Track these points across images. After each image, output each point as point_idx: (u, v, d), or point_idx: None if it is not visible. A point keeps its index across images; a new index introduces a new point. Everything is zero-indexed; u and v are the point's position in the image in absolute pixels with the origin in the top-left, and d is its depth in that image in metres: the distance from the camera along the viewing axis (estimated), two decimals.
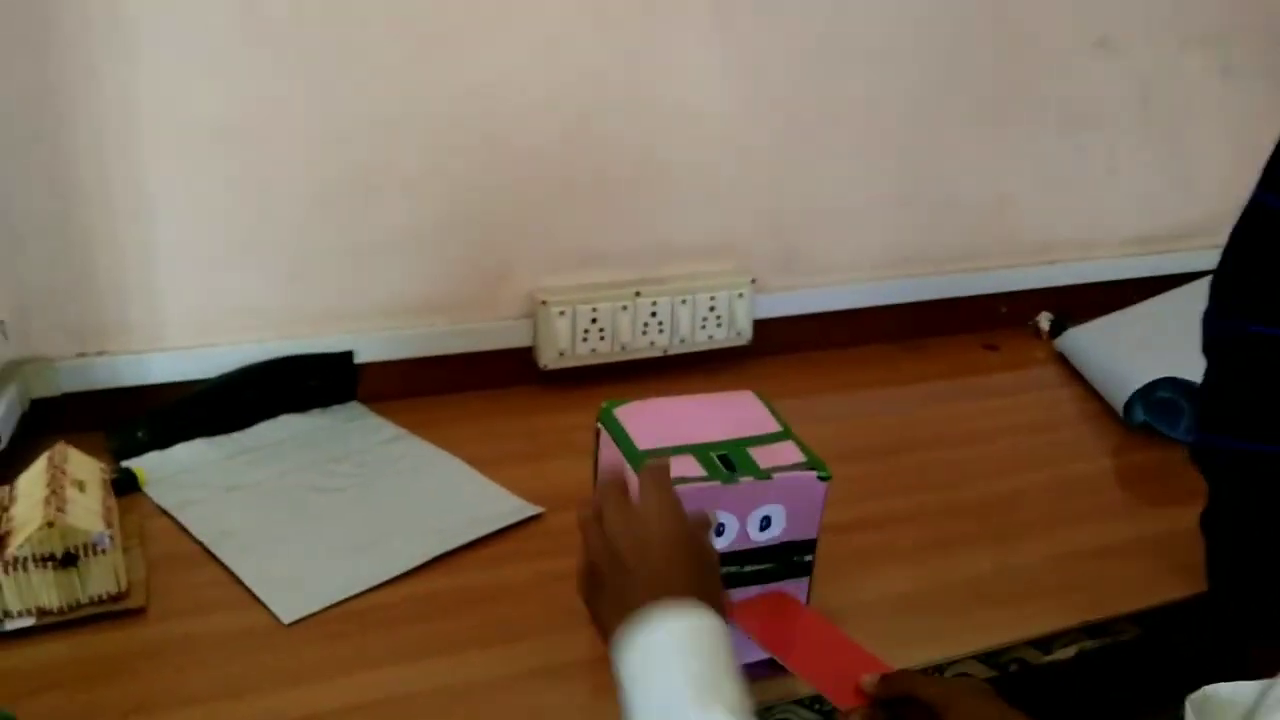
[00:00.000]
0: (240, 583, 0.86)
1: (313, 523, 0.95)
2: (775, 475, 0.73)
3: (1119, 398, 1.22)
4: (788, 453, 0.76)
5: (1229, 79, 1.49)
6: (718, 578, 0.66)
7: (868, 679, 0.68)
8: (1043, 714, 0.88)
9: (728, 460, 0.75)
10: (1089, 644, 0.88)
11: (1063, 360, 1.40)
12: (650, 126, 1.19)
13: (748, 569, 0.75)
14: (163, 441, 1.05)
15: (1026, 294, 1.48)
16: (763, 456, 0.75)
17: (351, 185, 1.10)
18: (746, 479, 0.72)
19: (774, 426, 0.79)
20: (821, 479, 0.75)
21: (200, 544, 0.91)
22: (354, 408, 1.16)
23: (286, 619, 0.82)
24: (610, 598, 0.64)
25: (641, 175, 1.21)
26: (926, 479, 1.10)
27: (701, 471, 0.73)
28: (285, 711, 0.74)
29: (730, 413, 0.80)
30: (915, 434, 1.20)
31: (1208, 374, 0.88)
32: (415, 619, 0.84)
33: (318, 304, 1.14)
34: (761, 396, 0.83)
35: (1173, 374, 1.18)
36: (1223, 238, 1.65)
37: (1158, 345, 1.28)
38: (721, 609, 0.62)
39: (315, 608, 0.84)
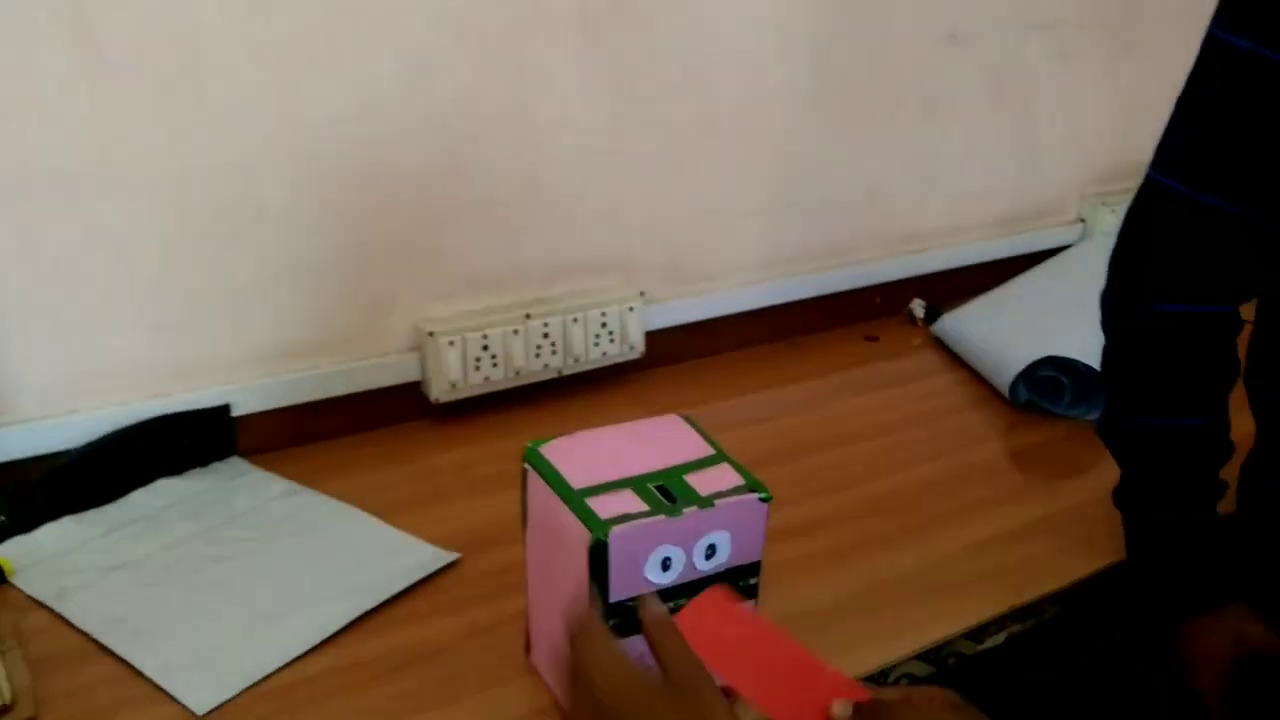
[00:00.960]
0: (140, 675, 0.79)
1: (211, 597, 0.88)
2: (718, 502, 0.71)
3: (1002, 379, 1.26)
4: (726, 476, 0.74)
5: (1067, 64, 1.56)
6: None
7: (838, 709, 0.63)
8: (983, 703, 0.90)
9: (666, 491, 0.72)
10: (1017, 628, 0.90)
11: (940, 345, 1.44)
12: (527, 145, 1.16)
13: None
14: (25, 524, 0.95)
15: (899, 284, 1.51)
16: (701, 483, 0.73)
17: (213, 226, 1.03)
18: (690, 509, 0.70)
19: (706, 450, 0.77)
20: (763, 500, 0.73)
21: (87, 636, 0.83)
22: (236, 464, 1.08)
23: (200, 710, 0.76)
24: None
25: (522, 195, 1.18)
26: (833, 479, 1.10)
27: (643, 506, 0.70)
28: None
29: (659, 439, 0.78)
30: (813, 434, 1.20)
31: (1111, 353, 0.91)
32: (343, 690, 0.78)
33: (186, 357, 1.05)
34: (689, 418, 0.81)
35: (1050, 351, 1.22)
36: (1072, 214, 1.73)
37: (1031, 324, 1.33)
38: None
39: (231, 693, 0.77)
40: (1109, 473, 1.11)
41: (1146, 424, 0.88)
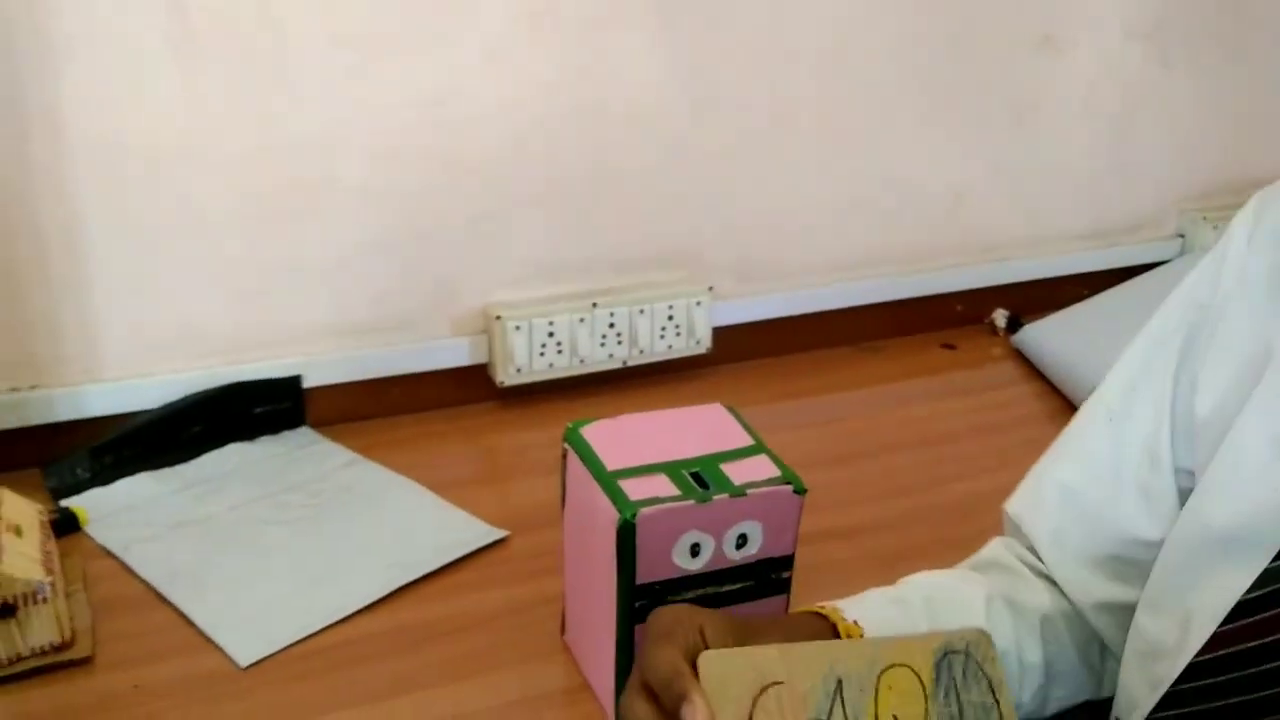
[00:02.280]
0: (193, 625, 0.82)
1: (267, 557, 0.91)
2: (750, 491, 0.71)
3: (1080, 393, 1.22)
4: (761, 467, 0.74)
5: (1167, 72, 1.51)
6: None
7: None
8: None
9: (700, 478, 0.72)
10: None
11: (1020, 357, 1.40)
12: (601, 135, 1.17)
13: (725, 588, 0.73)
14: (104, 478, 1.00)
15: (981, 292, 1.48)
16: (736, 472, 0.73)
17: (293, 202, 1.06)
18: (721, 496, 0.70)
19: (746, 440, 0.77)
20: (797, 493, 0.73)
21: (148, 585, 0.87)
22: (304, 434, 1.12)
23: (244, 662, 0.79)
24: None
25: (594, 184, 1.19)
26: (894, 483, 1.08)
27: (675, 490, 0.70)
28: None
29: (700, 427, 0.78)
30: (879, 437, 1.19)
31: None
32: (381, 655, 0.80)
33: (262, 327, 1.09)
34: (731, 409, 0.81)
35: None
36: (1168, 229, 1.66)
37: (1114, 339, 1.28)
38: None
39: (274, 648, 0.80)
40: None
41: None
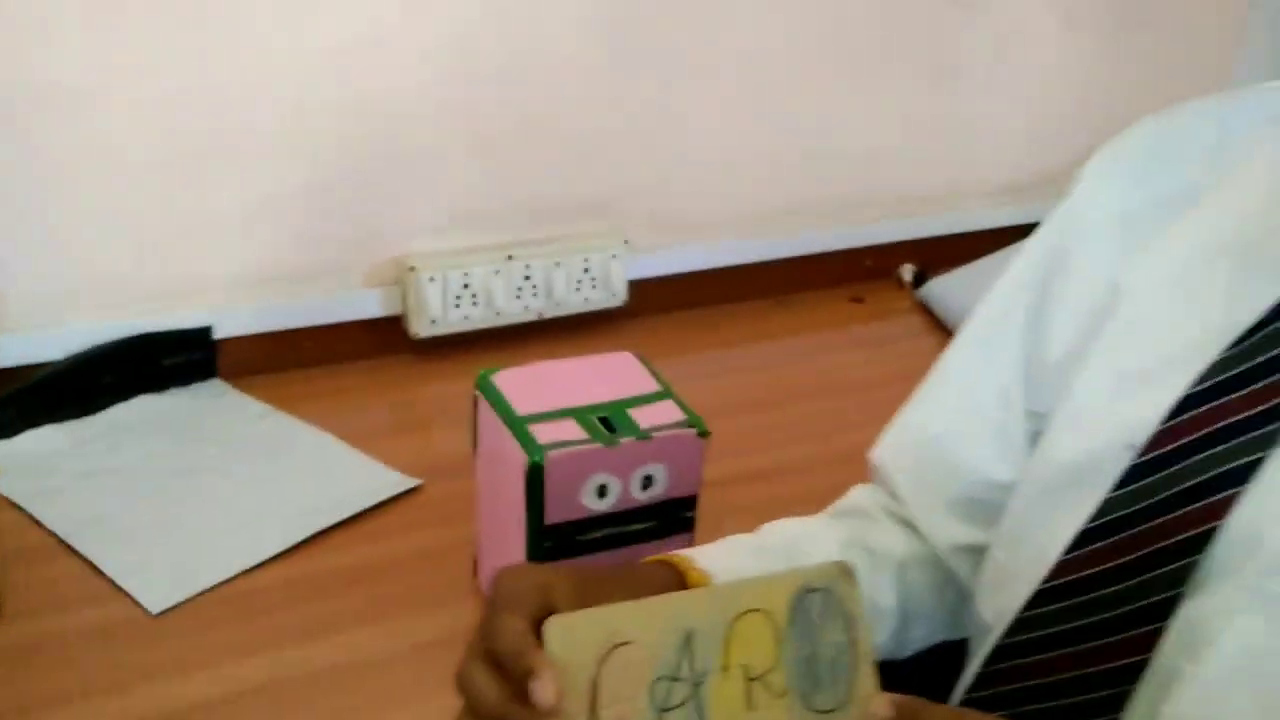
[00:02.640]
0: (102, 574, 0.82)
1: (177, 507, 0.91)
2: (655, 435, 0.73)
3: None
4: (667, 411, 0.76)
5: (1076, 34, 1.55)
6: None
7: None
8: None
9: (608, 422, 0.74)
10: None
11: (926, 310, 1.44)
12: (519, 85, 1.17)
13: (632, 528, 0.75)
14: (9, 430, 0.99)
15: (892, 246, 1.52)
16: (642, 416, 0.75)
17: (205, 150, 1.05)
18: (627, 439, 0.72)
19: (653, 386, 0.79)
20: (700, 436, 0.75)
21: (56, 536, 0.86)
22: (215, 385, 1.11)
23: (154, 609, 0.79)
24: None
25: (511, 135, 1.19)
26: (805, 430, 1.12)
27: (583, 434, 0.72)
28: (160, 706, 0.71)
29: (609, 375, 0.80)
30: (787, 387, 1.22)
31: None
32: (293, 601, 0.81)
33: (172, 277, 1.08)
34: (640, 357, 0.83)
35: None
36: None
37: None
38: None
39: (185, 595, 0.80)
40: None
41: None
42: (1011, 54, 1.51)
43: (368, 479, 0.97)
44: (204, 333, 1.10)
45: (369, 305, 1.18)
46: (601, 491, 0.72)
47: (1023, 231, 1.55)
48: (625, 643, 0.46)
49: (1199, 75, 1.72)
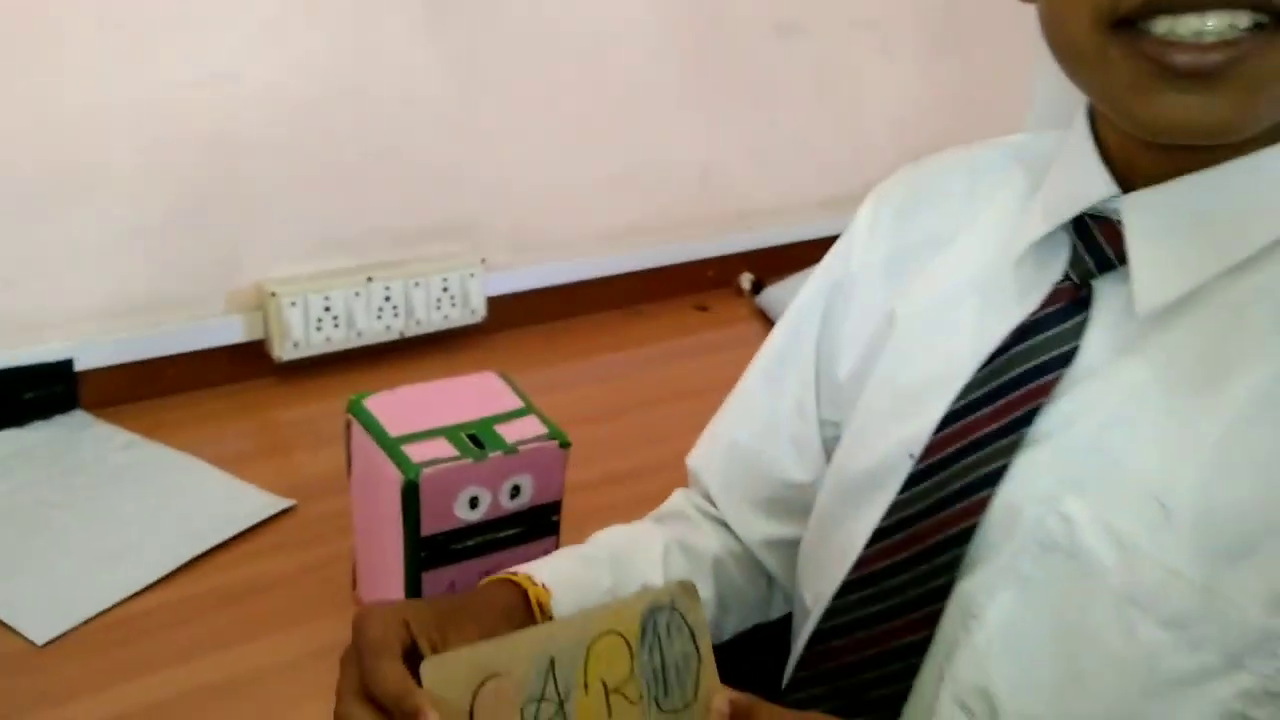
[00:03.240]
0: None
1: (53, 539, 0.93)
2: (521, 448, 0.80)
3: None
4: (530, 426, 0.83)
5: (890, 59, 1.69)
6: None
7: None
8: (764, 646, 1.01)
9: (476, 439, 0.81)
10: None
11: (764, 315, 1.56)
12: (374, 114, 1.22)
13: (502, 534, 0.82)
14: None
15: (731, 258, 1.63)
16: (508, 432, 0.82)
17: (61, 184, 1.06)
18: (495, 454, 0.79)
19: (516, 403, 0.86)
20: (562, 447, 0.82)
21: None
22: (78, 417, 1.12)
23: (40, 640, 0.81)
24: None
25: (367, 162, 1.24)
26: (657, 433, 1.20)
27: (454, 451, 0.78)
28: None
29: (475, 394, 0.86)
30: (642, 394, 1.31)
31: None
32: (179, 623, 0.85)
33: (30, 311, 1.09)
34: (503, 375, 0.90)
35: None
36: None
37: None
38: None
39: (71, 624, 0.83)
40: None
41: None
42: (832, 79, 1.64)
43: (241, 502, 1.00)
44: (65, 365, 1.11)
45: (231, 331, 1.21)
46: (473, 503, 0.79)
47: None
48: (495, 675, 0.52)
49: (1003, 96, 1.89)
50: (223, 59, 1.10)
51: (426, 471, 0.76)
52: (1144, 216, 0.56)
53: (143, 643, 0.83)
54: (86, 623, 0.83)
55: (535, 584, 0.67)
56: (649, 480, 1.10)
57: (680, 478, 1.10)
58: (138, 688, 0.78)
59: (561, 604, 0.66)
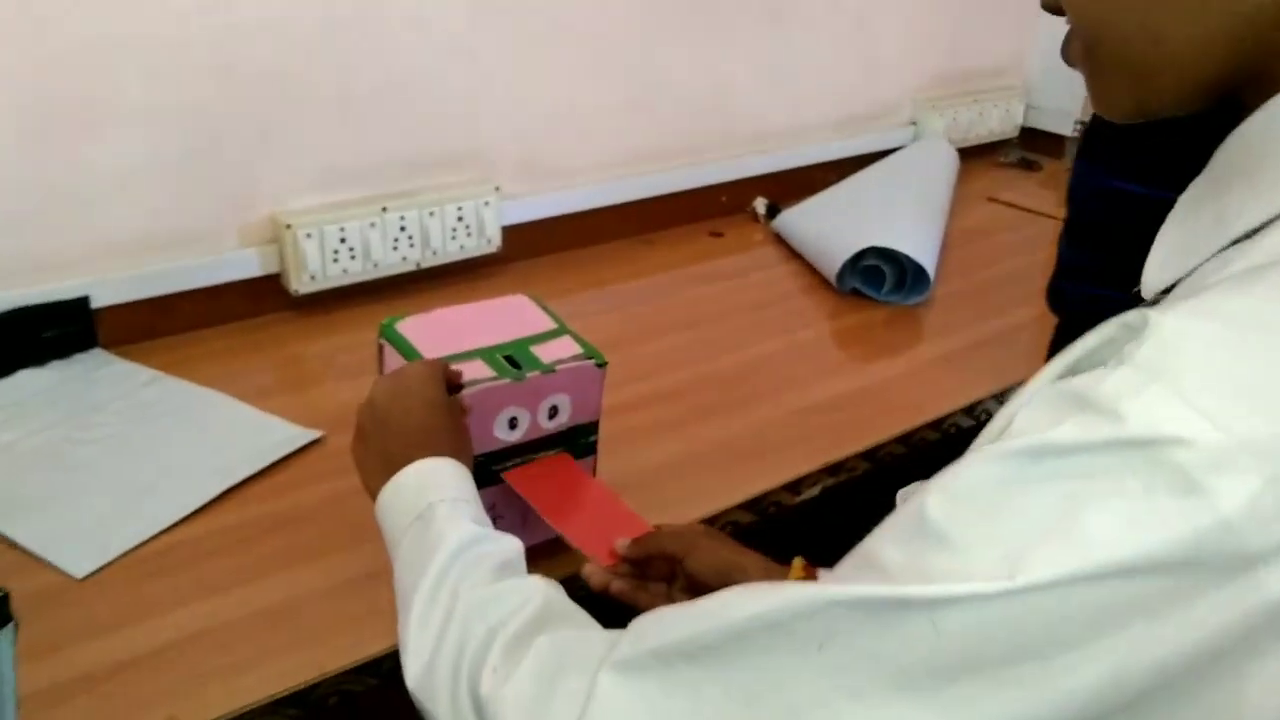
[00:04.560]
0: (18, 547, 0.83)
1: (82, 476, 0.92)
2: (559, 367, 0.79)
3: (830, 269, 1.38)
4: (566, 346, 0.82)
5: None
6: (469, 448, 0.74)
7: (620, 543, 0.76)
8: (800, 544, 1.02)
9: (513, 359, 0.80)
10: (830, 481, 1.02)
11: (779, 240, 1.54)
12: (383, 40, 1.19)
13: (541, 455, 0.82)
14: None
15: (745, 182, 1.61)
16: (544, 352, 0.81)
17: (68, 117, 1.03)
18: (533, 374, 0.78)
19: (550, 324, 0.85)
20: (599, 366, 0.82)
21: None
22: (98, 355, 1.11)
23: (79, 574, 0.81)
24: (372, 454, 0.71)
25: (379, 90, 1.21)
26: (679, 359, 1.20)
27: (491, 373, 0.78)
28: (99, 661, 0.73)
29: (508, 316, 0.85)
30: (661, 320, 1.30)
31: (1068, 221, 0.99)
32: (215, 553, 0.85)
33: (43, 249, 1.07)
34: (534, 298, 0.89)
35: (872, 242, 1.34)
36: (905, 117, 1.84)
37: (859, 218, 1.44)
38: (469, 469, 0.71)
39: (108, 558, 0.82)
40: (921, 351, 1.25)
41: (1086, 292, 0.96)
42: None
43: (268, 435, 1.00)
44: (81, 303, 1.09)
45: (247, 265, 1.19)
46: (512, 424, 0.78)
47: (855, 162, 1.69)
48: None
49: (1006, 12, 1.86)
50: None
51: (466, 392, 0.75)
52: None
53: (180, 575, 0.82)
54: (123, 556, 0.83)
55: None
56: (673, 404, 1.11)
57: (704, 401, 1.10)
58: (178, 618, 0.78)
59: None
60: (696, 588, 0.75)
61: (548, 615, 0.57)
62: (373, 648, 0.76)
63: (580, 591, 0.75)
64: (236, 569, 0.83)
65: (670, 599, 0.77)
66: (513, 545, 0.65)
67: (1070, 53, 0.50)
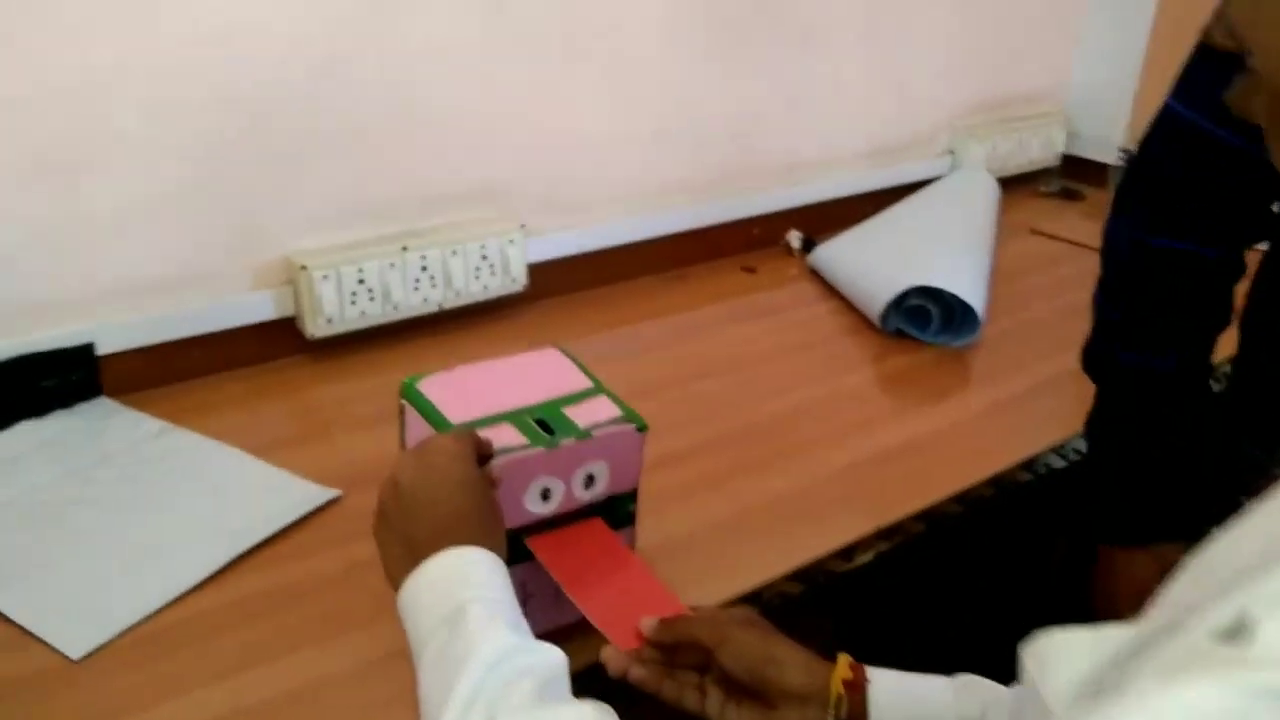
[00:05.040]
0: (11, 622, 0.77)
1: (82, 540, 0.86)
2: (596, 433, 0.73)
3: (873, 308, 1.31)
4: (603, 408, 0.76)
5: (931, 1, 1.60)
6: (503, 531, 0.66)
7: (646, 623, 0.69)
8: (853, 616, 0.95)
9: (545, 424, 0.73)
10: (884, 546, 0.95)
11: (816, 275, 1.48)
12: (396, 70, 1.13)
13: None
14: None
15: (776, 215, 1.54)
16: (579, 415, 0.75)
17: (66, 153, 0.98)
18: (568, 441, 0.71)
19: (584, 383, 0.79)
20: (639, 431, 0.75)
21: None
22: (103, 404, 1.05)
23: (76, 654, 0.74)
24: (396, 538, 0.64)
25: (393, 122, 1.15)
26: (710, 407, 1.13)
27: (522, 439, 0.71)
28: None
29: (538, 373, 0.79)
30: (694, 363, 1.23)
31: (1104, 281, 0.92)
32: (225, 629, 0.78)
33: (43, 293, 1.01)
34: (566, 351, 0.82)
35: (918, 281, 1.27)
36: (941, 146, 1.78)
37: (901, 254, 1.38)
38: (503, 558, 0.64)
39: (108, 636, 0.76)
40: (972, 397, 1.17)
41: (1127, 359, 0.90)
42: (876, 25, 1.54)
43: (282, 494, 0.93)
44: (85, 350, 1.03)
45: (259, 309, 1.13)
46: (545, 495, 0.72)
47: (895, 193, 1.62)
48: None
49: (1049, 38, 1.80)
50: (236, 12, 1.01)
51: (495, 463, 0.69)
52: None
53: (187, 654, 0.76)
54: (125, 633, 0.77)
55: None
56: (714, 457, 1.04)
57: (744, 455, 1.03)
58: (185, 706, 0.71)
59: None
60: (729, 682, 0.68)
61: None
62: None
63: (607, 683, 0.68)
64: (250, 647, 0.77)
65: (702, 692, 0.70)
66: (555, 660, 0.57)
67: (1249, 105, 0.42)
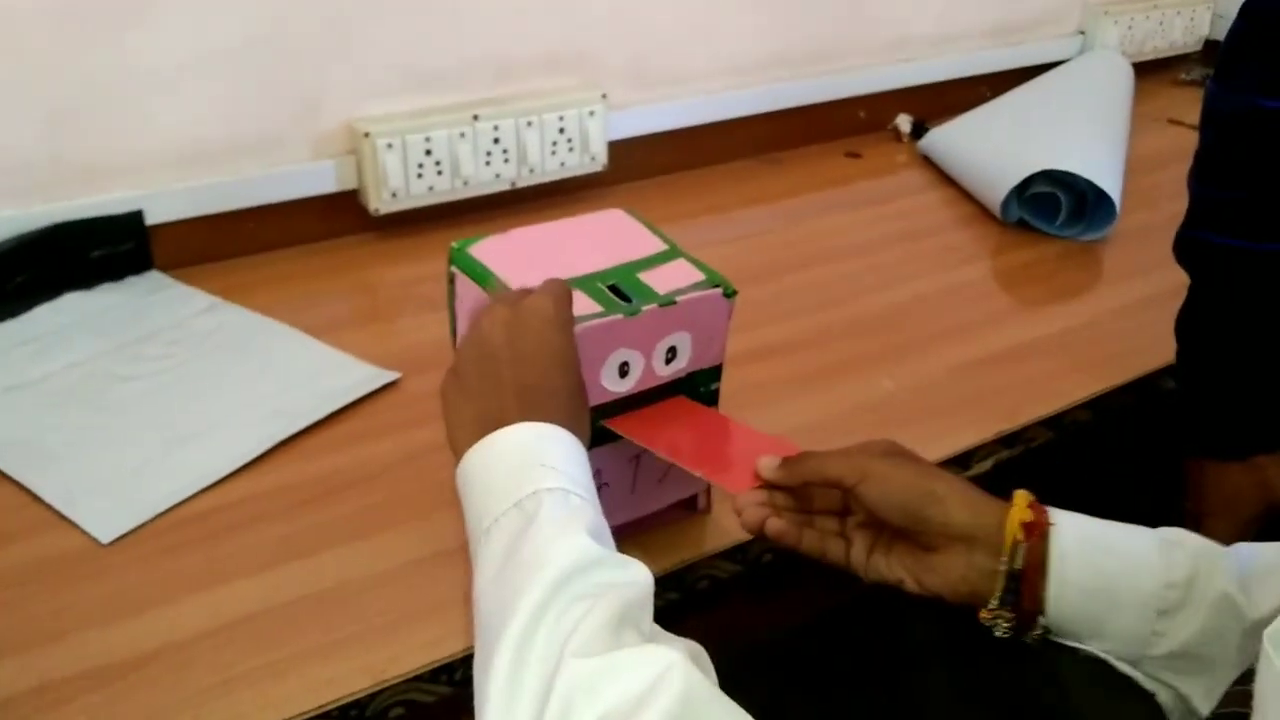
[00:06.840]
0: (41, 501, 0.71)
1: (122, 418, 0.79)
2: (680, 299, 0.62)
3: (993, 196, 1.17)
4: (683, 272, 0.65)
5: None
6: (588, 418, 0.58)
7: (765, 462, 0.60)
8: None
9: (619, 290, 0.63)
10: (1005, 454, 0.84)
11: (926, 162, 1.34)
12: None
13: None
14: None
15: (885, 95, 1.40)
16: (656, 280, 0.64)
17: (115, 3, 0.89)
18: (649, 307, 0.61)
19: (658, 245, 0.68)
20: (727, 296, 0.65)
21: None
22: (153, 278, 0.98)
23: (105, 538, 0.68)
24: (469, 400, 0.55)
25: None
26: (815, 298, 1.02)
27: (596, 306, 0.61)
28: (122, 648, 0.60)
29: (603, 236, 0.69)
30: (794, 252, 1.12)
31: (1201, 153, 0.82)
32: (266, 518, 0.71)
33: (91, 155, 0.94)
34: (632, 212, 0.71)
35: (1046, 165, 1.13)
36: (1073, 25, 1.61)
37: (1026, 138, 1.23)
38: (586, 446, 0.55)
39: (140, 520, 0.69)
40: (1104, 295, 1.05)
41: (1224, 241, 0.79)
42: None
43: (338, 375, 0.85)
44: (134, 218, 0.96)
45: (319, 180, 1.04)
46: (624, 370, 0.62)
47: (1013, 76, 1.46)
48: None
49: None
50: None
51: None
52: None
53: (224, 543, 0.69)
54: (159, 517, 0.70)
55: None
56: (818, 352, 0.93)
57: (847, 351, 0.92)
58: (225, 597, 0.64)
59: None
60: (876, 524, 0.58)
61: (684, 714, 0.40)
62: (446, 648, 0.61)
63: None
64: (285, 541, 0.69)
65: (845, 539, 0.60)
66: (640, 579, 0.47)
67: None
